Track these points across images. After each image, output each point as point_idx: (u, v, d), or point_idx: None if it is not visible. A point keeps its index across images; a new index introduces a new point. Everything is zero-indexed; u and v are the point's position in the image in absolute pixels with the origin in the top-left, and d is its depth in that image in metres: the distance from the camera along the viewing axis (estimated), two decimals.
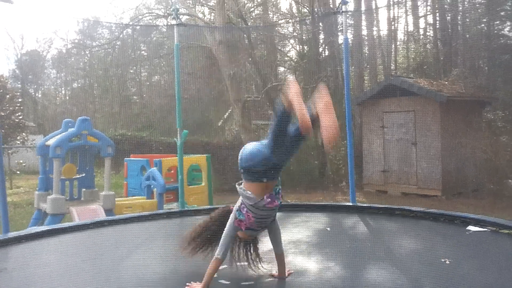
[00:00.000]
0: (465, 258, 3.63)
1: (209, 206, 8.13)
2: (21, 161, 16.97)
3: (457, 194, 11.80)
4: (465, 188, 12.07)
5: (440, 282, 3.08)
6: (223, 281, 3.35)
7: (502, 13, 14.95)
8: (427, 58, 16.89)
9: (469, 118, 12.59)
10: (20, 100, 18.93)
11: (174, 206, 8.97)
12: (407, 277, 3.27)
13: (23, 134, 17.46)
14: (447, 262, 3.43)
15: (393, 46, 17.91)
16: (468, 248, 3.94)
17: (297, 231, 4.81)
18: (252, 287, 3.27)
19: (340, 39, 16.65)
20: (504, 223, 4.46)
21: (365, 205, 6.16)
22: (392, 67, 17.52)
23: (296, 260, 3.75)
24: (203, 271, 3.13)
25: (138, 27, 18.83)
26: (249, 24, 15.17)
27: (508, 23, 15.16)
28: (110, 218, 6.12)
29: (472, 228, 4.48)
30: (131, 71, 22.91)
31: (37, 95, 28.95)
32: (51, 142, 8.19)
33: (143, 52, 23.19)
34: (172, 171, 10.56)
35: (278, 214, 5.30)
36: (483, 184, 12.52)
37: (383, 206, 5.76)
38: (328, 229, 4.85)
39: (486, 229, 4.40)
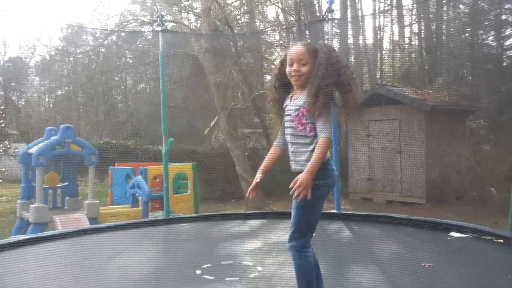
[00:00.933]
0: (446, 263, 3.67)
1: (195, 215, 8.13)
2: (3, 170, 16.73)
3: (441, 202, 11.91)
4: (449, 195, 12.19)
5: (420, 285, 3.11)
6: (207, 277, 3.39)
7: (486, 23, 15.21)
8: (412, 67, 17.09)
9: (453, 127, 12.74)
10: (2, 107, 18.67)
11: (160, 215, 8.91)
12: (388, 280, 3.30)
13: (6, 142, 17.23)
14: (427, 266, 3.46)
15: (378, 55, 18.11)
16: (450, 253, 3.97)
17: (282, 235, 4.82)
18: (237, 283, 3.30)
19: None
20: (485, 229, 4.52)
21: (349, 212, 6.19)
22: (378, 75, 17.69)
23: (280, 265, 3.75)
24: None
25: (123, 34, 18.76)
26: (235, 31, 15.22)
27: (492, 33, 15.41)
28: (94, 226, 6.06)
29: (454, 234, 4.52)
30: (116, 78, 22.79)
31: (20, 102, 28.66)
32: (33, 150, 8.09)
33: (128, 59, 23.10)
34: (157, 180, 10.49)
35: (262, 222, 5.34)
36: (466, 192, 12.65)
37: (367, 213, 5.80)
38: (314, 234, 4.85)
39: (468, 235, 4.44)
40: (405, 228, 4.99)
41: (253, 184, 2.85)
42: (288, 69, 2.78)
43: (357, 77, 17.82)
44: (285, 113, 2.83)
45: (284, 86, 2.92)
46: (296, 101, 2.76)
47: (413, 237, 4.66)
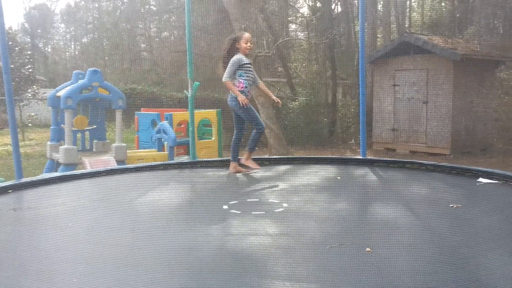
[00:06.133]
0: (475, 205, 3.67)
1: (220, 158, 8.22)
2: (33, 114, 17.07)
3: (466, 153, 11.79)
4: (474, 147, 12.04)
5: (447, 223, 3.14)
6: (234, 211, 3.50)
7: None
8: (442, 16, 16.50)
9: (482, 77, 12.41)
10: (29, 52, 18.82)
11: (185, 159, 9.05)
12: (417, 218, 3.34)
13: (34, 87, 17.48)
14: (455, 207, 3.47)
15: (408, 2, 17.49)
16: (478, 196, 3.97)
17: (307, 179, 4.88)
18: (263, 217, 3.38)
19: None
20: None
21: (375, 158, 6.18)
22: (406, 24, 17.16)
23: (305, 202, 3.82)
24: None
25: None
26: None
27: None
28: (123, 166, 6.20)
29: (482, 180, 4.49)
30: (140, 26, 22.64)
31: (46, 49, 28.80)
32: (61, 93, 8.21)
33: (152, 6, 22.83)
34: (182, 126, 10.60)
35: (287, 167, 5.43)
36: (492, 144, 12.48)
37: (393, 159, 5.78)
38: (339, 178, 4.90)
39: (496, 181, 4.41)
40: (432, 174, 4.97)
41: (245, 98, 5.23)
42: (245, 45, 5.23)
43: (384, 25, 17.35)
44: (249, 68, 5.26)
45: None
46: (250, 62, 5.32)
47: (441, 181, 4.64)
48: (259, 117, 5.43)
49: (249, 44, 5.21)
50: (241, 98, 5.10)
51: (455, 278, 2.16)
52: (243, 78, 5.23)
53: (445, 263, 2.39)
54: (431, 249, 2.62)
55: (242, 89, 5.22)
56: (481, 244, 2.68)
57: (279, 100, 5.67)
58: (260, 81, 5.57)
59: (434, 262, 2.40)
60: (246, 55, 5.28)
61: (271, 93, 5.76)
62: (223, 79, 5.23)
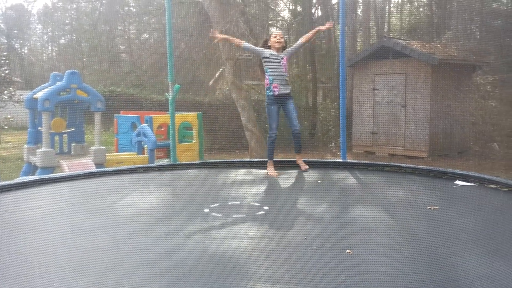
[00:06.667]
0: (452, 207, 3.74)
1: (201, 161, 8.20)
2: (9, 116, 16.77)
3: (443, 156, 11.99)
4: (451, 150, 12.26)
5: (424, 224, 3.22)
6: (215, 214, 3.51)
7: None
8: (421, 20, 16.79)
9: (459, 81, 12.65)
10: (5, 54, 18.49)
11: (166, 162, 9.00)
12: (394, 219, 3.39)
13: (10, 88, 17.16)
14: (432, 209, 3.53)
15: (387, 7, 17.74)
16: (455, 198, 4.04)
17: (288, 182, 4.91)
18: (244, 220, 3.40)
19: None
20: (490, 178, 4.56)
21: (355, 161, 6.24)
22: (386, 29, 17.40)
23: (287, 205, 3.84)
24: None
25: None
26: None
27: None
28: (102, 169, 6.14)
29: (459, 182, 4.57)
30: (120, 28, 22.45)
31: (23, 50, 28.34)
32: (39, 95, 8.10)
33: (131, 8, 22.66)
34: (162, 129, 10.55)
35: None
36: (469, 147, 12.71)
37: (373, 162, 5.85)
38: (319, 181, 4.93)
39: (473, 184, 4.50)
40: (410, 176, 5.04)
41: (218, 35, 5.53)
42: (272, 39, 5.20)
43: (364, 30, 17.56)
44: (273, 61, 5.14)
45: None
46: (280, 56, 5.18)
47: (418, 184, 4.71)
48: (274, 123, 5.21)
49: (276, 38, 5.15)
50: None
51: (433, 278, 2.20)
52: (268, 74, 5.14)
53: (423, 263, 2.44)
54: (409, 250, 2.66)
55: (267, 85, 5.15)
56: (458, 245, 2.73)
57: (329, 25, 5.53)
58: (301, 40, 5.43)
59: (412, 263, 2.44)
60: (278, 50, 5.16)
61: (313, 32, 5.56)
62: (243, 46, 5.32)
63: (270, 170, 5.18)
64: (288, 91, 5.19)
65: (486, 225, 3.19)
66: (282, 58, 5.14)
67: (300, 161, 5.37)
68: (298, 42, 5.45)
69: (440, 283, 2.15)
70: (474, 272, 2.29)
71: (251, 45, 5.45)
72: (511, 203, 3.85)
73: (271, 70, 5.12)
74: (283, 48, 5.26)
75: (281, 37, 5.20)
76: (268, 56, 5.13)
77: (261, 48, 5.24)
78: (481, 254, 2.56)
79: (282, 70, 5.13)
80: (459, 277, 2.24)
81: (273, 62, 5.12)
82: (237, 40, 5.52)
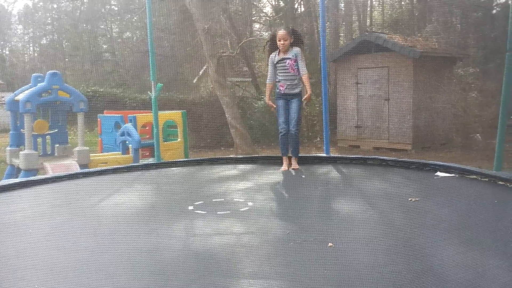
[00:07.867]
0: (433, 198, 3.80)
1: (186, 159, 8.20)
2: None
3: (427, 148, 12.13)
4: (434, 142, 12.40)
5: (405, 216, 3.28)
6: (199, 211, 3.52)
7: None
8: (402, 14, 16.91)
9: (441, 74, 12.79)
10: None
11: (150, 161, 8.97)
12: (376, 211, 3.45)
13: None
14: (413, 200, 3.58)
15: (369, 1, 17.83)
16: (436, 189, 4.11)
17: (272, 177, 4.94)
18: (228, 216, 3.42)
19: None
20: (471, 169, 4.64)
21: (338, 155, 6.29)
22: (368, 23, 17.50)
23: (271, 201, 3.87)
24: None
25: None
26: None
27: None
28: (85, 170, 6.11)
29: (440, 174, 4.64)
30: (102, 26, 22.26)
31: (4, 51, 27.97)
32: (20, 97, 8.01)
33: (113, 6, 22.47)
34: (147, 128, 10.49)
35: (252, 166, 5.46)
36: (451, 138, 12.88)
37: (356, 156, 5.90)
38: (303, 176, 4.97)
39: (454, 175, 4.57)
40: (392, 169, 5.11)
41: (270, 103, 5.47)
42: (278, 42, 5.20)
43: (346, 24, 17.65)
44: (279, 64, 5.26)
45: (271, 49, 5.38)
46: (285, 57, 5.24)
47: (400, 176, 4.77)
48: (281, 117, 5.29)
49: (280, 42, 5.15)
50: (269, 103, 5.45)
51: (410, 268, 2.25)
52: (277, 74, 5.29)
53: (401, 254, 2.48)
54: (388, 241, 2.71)
55: (280, 90, 5.29)
56: (436, 235, 2.78)
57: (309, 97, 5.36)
58: (304, 72, 5.24)
59: (391, 254, 2.49)
60: (284, 52, 5.21)
61: (308, 88, 5.32)
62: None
63: (283, 167, 5.21)
64: (294, 91, 5.25)
65: (463, 215, 3.26)
66: (288, 59, 5.20)
67: (293, 162, 5.25)
68: (302, 70, 5.27)
69: (416, 272, 2.19)
70: (450, 261, 2.34)
71: (269, 71, 5.41)
72: (488, 192, 3.92)
73: (278, 71, 5.27)
74: (296, 41, 5.28)
75: (285, 40, 5.15)
76: (275, 62, 5.27)
77: (271, 62, 5.31)
78: (458, 243, 2.62)
79: (288, 71, 5.21)
80: (435, 266, 2.29)
81: (280, 65, 5.25)
82: (269, 87, 5.49)
